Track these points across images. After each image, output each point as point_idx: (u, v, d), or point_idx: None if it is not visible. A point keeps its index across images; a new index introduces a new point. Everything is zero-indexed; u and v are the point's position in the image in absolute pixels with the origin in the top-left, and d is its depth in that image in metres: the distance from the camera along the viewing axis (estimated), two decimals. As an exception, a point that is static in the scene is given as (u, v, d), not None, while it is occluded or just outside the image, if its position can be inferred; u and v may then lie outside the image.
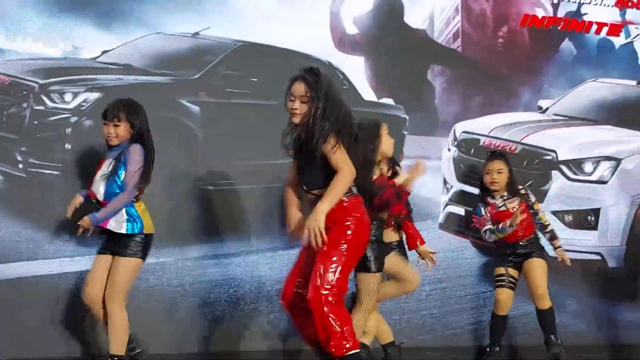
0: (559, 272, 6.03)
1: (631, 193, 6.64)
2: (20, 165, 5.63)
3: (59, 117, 5.68)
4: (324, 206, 4.09)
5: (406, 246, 5.30)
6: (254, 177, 5.96)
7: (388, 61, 6.57)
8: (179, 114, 5.90)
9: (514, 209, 5.53)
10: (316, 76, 4.24)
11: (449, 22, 6.80)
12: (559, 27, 6.99)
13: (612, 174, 6.56)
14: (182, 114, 5.91)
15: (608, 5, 7.07)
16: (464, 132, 6.63)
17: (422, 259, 5.30)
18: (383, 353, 5.36)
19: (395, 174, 5.05)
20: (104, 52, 5.92)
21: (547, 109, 6.93)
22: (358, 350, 4.15)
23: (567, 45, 7.04)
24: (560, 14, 6.99)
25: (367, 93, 6.47)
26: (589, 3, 7.02)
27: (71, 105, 5.70)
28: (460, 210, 6.51)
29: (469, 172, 6.48)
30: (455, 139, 6.62)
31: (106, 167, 4.76)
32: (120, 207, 4.70)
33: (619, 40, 7.13)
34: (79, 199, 4.89)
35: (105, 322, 4.79)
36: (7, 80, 5.67)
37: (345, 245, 4.18)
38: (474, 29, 6.87)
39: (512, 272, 5.71)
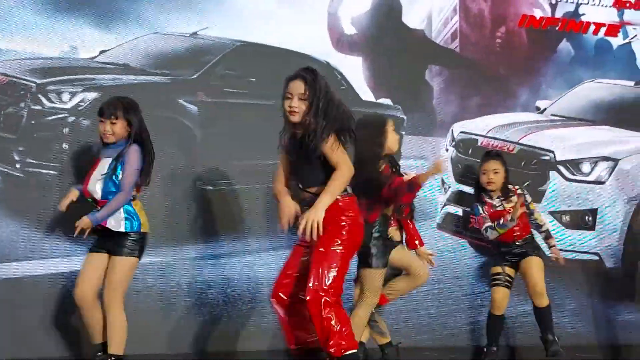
0: (556, 272, 6.04)
1: (629, 193, 6.65)
2: (18, 165, 5.63)
3: (56, 116, 5.68)
4: (325, 201, 4.12)
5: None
6: (252, 177, 5.95)
7: (386, 61, 6.57)
8: (178, 113, 5.90)
9: (512, 207, 5.53)
10: (314, 75, 4.25)
11: (447, 22, 6.81)
12: (557, 28, 7.00)
13: (610, 175, 6.57)
14: (181, 114, 5.91)
15: (606, 6, 7.08)
16: (461, 132, 6.63)
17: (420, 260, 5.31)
18: (380, 353, 5.36)
19: (396, 172, 5.06)
20: (102, 52, 5.92)
21: (545, 109, 6.93)
22: (356, 351, 4.18)
23: (565, 45, 7.04)
24: (558, 14, 7.00)
25: (365, 93, 6.47)
26: (587, 3, 7.03)
27: (69, 105, 5.69)
28: (458, 211, 6.52)
29: (466, 173, 6.49)
30: (453, 139, 6.63)
31: (104, 166, 4.74)
32: (118, 207, 4.69)
33: (616, 41, 7.13)
34: (75, 193, 4.82)
35: (94, 321, 4.75)
36: (4, 80, 5.66)
37: (340, 246, 4.20)
38: (472, 29, 6.87)
39: (509, 271, 5.71)
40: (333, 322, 4.10)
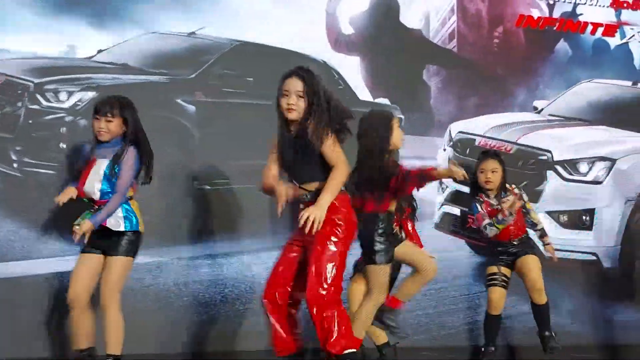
0: (554, 272, 6.04)
1: (626, 193, 6.65)
2: (15, 165, 5.62)
3: (54, 116, 5.67)
4: (327, 199, 4.13)
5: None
6: (250, 176, 5.94)
7: (384, 61, 6.58)
8: (175, 113, 5.90)
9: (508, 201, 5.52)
10: (310, 72, 4.26)
11: (445, 22, 6.81)
12: (555, 28, 7.00)
13: (607, 175, 6.57)
14: (178, 114, 5.91)
15: (603, 6, 7.09)
16: (459, 132, 6.63)
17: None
18: (378, 353, 5.36)
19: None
20: (99, 52, 5.92)
21: (543, 109, 6.94)
22: (356, 350, 4.18)
23: (562, 45, 7.05)
24: (556, 14, 7.00)
25: (363, 93, 6.47)
26: (585, 4, 7.04)
27: (66, 105, 5.68)
28: (455, 211, 6.52)
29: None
30: (450, 139, 6.63)
31: (100, 166, 4.72)
32: (116, 209, 4.68)
33: (614, 41, 7.14)
34: (73, 190, 4.78)
35: (83, 325, 4.73)
36: (1, 79, 5.66)
37: (337, 245, 4.21)
38: (470, 29, 6.87)
39: (505, 270, 5.69)
40: (333, 321, 4.12)
